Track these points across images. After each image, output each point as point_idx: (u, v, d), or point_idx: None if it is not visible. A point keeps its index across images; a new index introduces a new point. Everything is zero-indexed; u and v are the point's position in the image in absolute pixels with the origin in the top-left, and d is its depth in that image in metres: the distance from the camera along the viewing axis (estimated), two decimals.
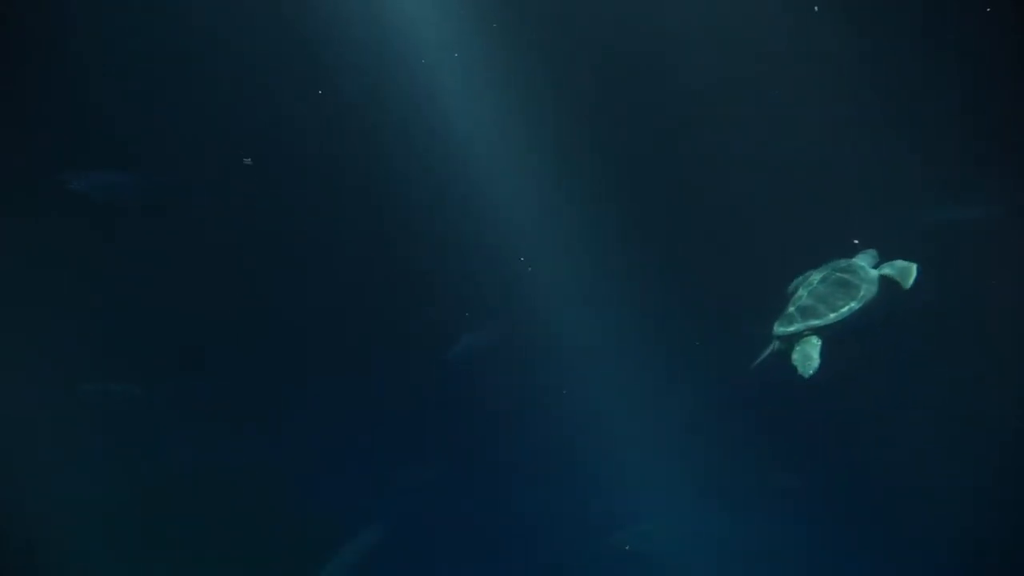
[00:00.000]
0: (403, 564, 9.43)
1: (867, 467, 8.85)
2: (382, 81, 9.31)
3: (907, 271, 7.07)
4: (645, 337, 9.73)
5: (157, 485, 9.58)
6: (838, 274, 7.23)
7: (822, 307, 7.08)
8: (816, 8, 8.25)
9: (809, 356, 6.92)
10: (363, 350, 10.34)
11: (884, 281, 7.12)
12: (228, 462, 9.88)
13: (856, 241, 7.70)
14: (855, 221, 8.31)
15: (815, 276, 7.35)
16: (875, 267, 7.25)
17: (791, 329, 7.12)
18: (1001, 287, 8.21)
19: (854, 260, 7.37)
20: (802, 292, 7.27)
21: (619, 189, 9.59)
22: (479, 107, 9.47)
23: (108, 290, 9.80)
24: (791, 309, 7.21)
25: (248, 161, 9.44)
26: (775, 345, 7.24)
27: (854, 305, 7.01)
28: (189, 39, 8.98)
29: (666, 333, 9.61)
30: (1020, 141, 8.08)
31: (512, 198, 9.80)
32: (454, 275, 9.98)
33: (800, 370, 6.91)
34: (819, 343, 6.97)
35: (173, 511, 9.49)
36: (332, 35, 9.04)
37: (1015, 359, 8.18)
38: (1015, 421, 8.12)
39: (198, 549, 9.33)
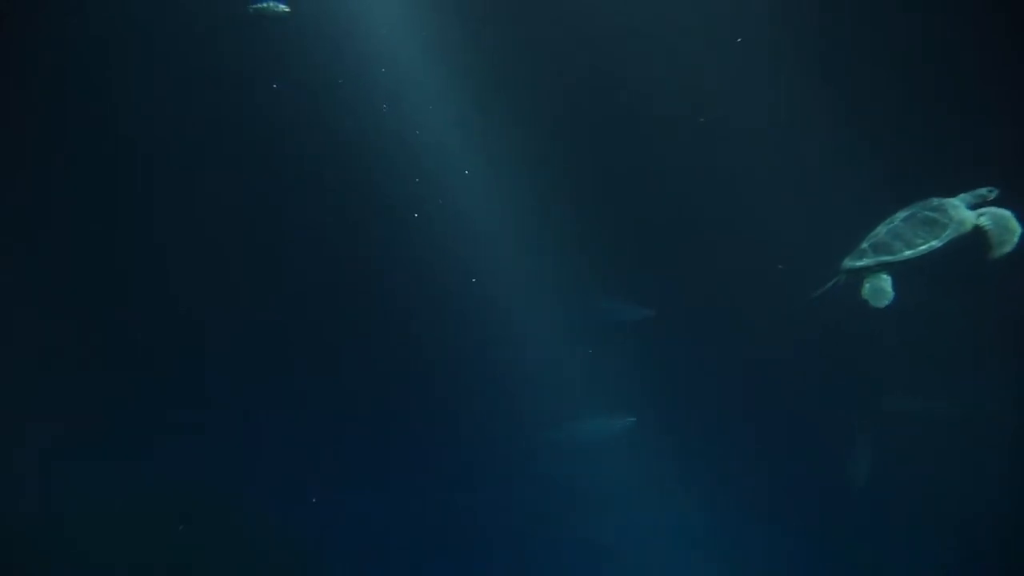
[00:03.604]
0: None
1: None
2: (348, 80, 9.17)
3: (1009, 233, 6.24)
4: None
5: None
6: (925, 212, 6.61)
7: (898, 243, 6.47)
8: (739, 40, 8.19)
9: (881, 289, 6.43)
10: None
11: (978, 230, 6.38)
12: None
13: (780, 266, 7.25)
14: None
15: (900, 214, 6.68)
16: (972, 207, 6.49)
17: (859, 264, 6.60)
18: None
19: (949, 199, 6.59)
20: (880, 229, 6.68)
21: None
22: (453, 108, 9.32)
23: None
24: (864, 245, 6.67)
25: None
26: (840, 279, 6.75)
27: (935, 244, 6.36)
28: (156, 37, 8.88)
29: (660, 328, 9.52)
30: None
31: (487, 201, 9.71)
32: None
33: (872, 303, 6.45)
34: (889, 278, 6.47)
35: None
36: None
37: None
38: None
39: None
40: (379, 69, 9.03)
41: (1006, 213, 6.40)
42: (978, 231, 6.39)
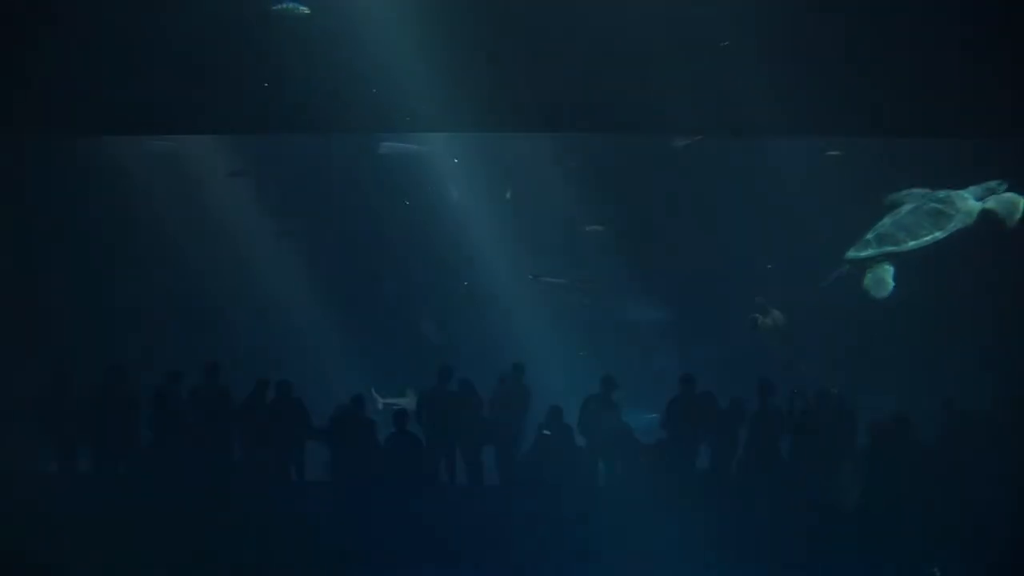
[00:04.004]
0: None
1: None
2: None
3: (1013, 206, 6.46)
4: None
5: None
6: (932, 204, 6.73)
7: (902, 234, 6.61)
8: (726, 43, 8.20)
9: (882, 280, 6.51)
10: None
11: (985, 215, 6.57)
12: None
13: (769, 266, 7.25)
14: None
15: (906, 206, 6.82)
16: (980, 199, 6.69)
17: (862, 254, 6.76)
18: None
19: (958, 191, 6.76)
20: (886, 220, 6.86)
21: None
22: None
23: None
24: (869, 236, 6.83)
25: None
26: (844, 269, 6.89)
27: (938, 235, 6.48)
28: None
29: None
30: None
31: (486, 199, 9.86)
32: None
33: (873, 293, 6.55)
34: (892, 269, 6.59)
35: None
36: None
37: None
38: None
39: None
40: (379, 70, 9.05)
41: (1009, 193, 6.56)
42: (984, 214, 6.52)
